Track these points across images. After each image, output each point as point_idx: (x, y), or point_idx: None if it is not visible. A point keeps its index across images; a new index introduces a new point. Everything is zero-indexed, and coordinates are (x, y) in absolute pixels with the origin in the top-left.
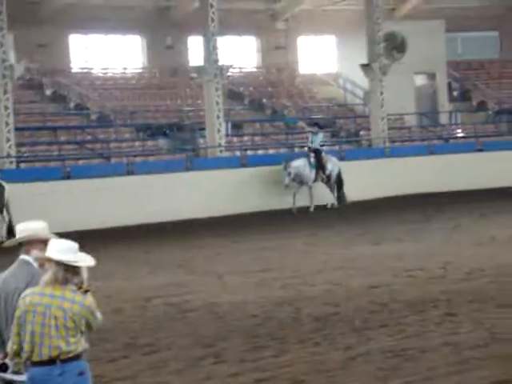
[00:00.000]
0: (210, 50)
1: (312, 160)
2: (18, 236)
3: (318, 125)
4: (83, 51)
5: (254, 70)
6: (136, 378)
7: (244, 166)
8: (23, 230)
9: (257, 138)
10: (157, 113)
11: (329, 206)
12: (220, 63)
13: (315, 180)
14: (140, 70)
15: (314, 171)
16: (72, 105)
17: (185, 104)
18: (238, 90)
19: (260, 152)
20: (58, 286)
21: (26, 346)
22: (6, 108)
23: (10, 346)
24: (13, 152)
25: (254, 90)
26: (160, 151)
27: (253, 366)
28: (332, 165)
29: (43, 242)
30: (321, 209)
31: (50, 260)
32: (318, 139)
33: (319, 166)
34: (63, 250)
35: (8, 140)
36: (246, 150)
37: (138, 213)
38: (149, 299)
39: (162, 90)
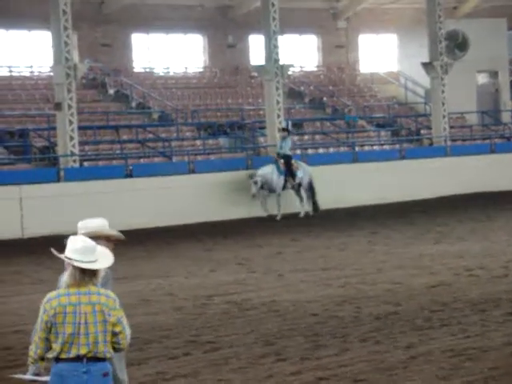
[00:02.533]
0: (271, 49)
1: (281, 166)
2: (78, 233)
3: (288, 129)
4: (145, 50)
5: (315, 68)
6: (197, 375)
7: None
8: (83, 227)
9: (317, 137)
10: (218, 112)
11: (302, 214)
12: (281, 62)
13: (284, 188)
14: (201, 69)
15: (282, 178)
16: (134, 104)
17: (245, 103)
18: (298, 89)
19: (320, 151)
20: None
21: (57, 347)
22: (70, 107)
23: (34, 351)
24: (76, 150)
25: (314, 88)
26: (221, 150)
27: (314, 364)
28: (303, 172)
29: (105, 239)
30: (293, 217)
31: (67, 260)
32: (288, 144)
33: (289, 172)
34: (80, 250)
35: (71, 138)
36: (306, 148)
37: (198, 211)
38: (210, 297)
39: (223, 88)
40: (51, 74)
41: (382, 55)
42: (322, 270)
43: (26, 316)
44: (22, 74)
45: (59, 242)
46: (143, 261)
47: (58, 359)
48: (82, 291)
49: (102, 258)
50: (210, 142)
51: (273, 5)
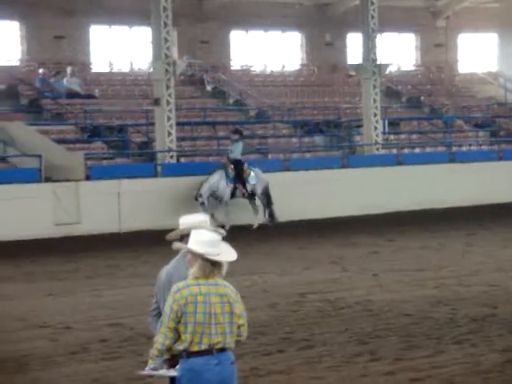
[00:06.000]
0: (369, 48)
1: (230, 172)
2: (180, 228)
3: (239, 132)
4: (244, 48)
5: (413, 67)
6: (291, 373)
7: (400, 163)
8: (184, 222)
9: (414, 136)
10: (314, 110)
11: (255, 226)
12: (378, 61)
13: (233, 196)
14: (298, 67)
15: (231, 186)
16: (231, 101)
17: (342, 101)
18: (395, 88)
19: (417, 150)
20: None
21: (188, 337)
22: (169, 103)
23: (161, 342)
24: (174, 146)
25: (412, 88)
26: (316, 148)
27: (408, 364)
28: (256, 178)
29: None
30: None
31: (191, 252)
32: (239, 148)
33: (239, 179)
34: (206, 243)
35: (169, 134)
36: (402, 148)
37: (293, 209)
38: (304, 295)
39: (320, 87)
40: (151, 70)
41: (482, 55)
42: (417, 271)
43: (120, 309)
44: (122, 70)
45: (155, 236)
46: (239, 257)
47: (188, 354)
48: (210, 282)
49: (226, 252)
50: (306, 139)
51: (372, 3)
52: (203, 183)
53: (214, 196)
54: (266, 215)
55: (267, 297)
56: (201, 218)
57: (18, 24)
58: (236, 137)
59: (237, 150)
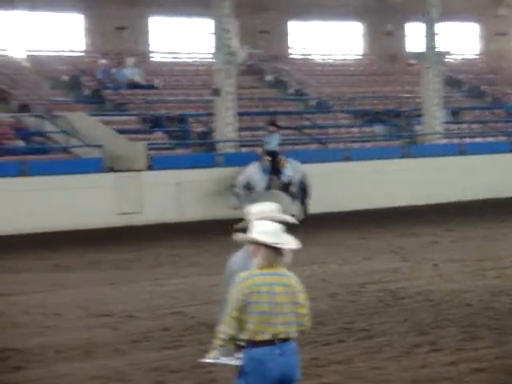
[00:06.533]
0: (430, 37)
1: (265, 164)
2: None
3: (275, 123)
4: (303, 38)
5: (475, 56)
6: (351, 363)
7: (462, 153)
8: (255, 212)
9: (475, 126)
10: (374, 99)
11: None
12: (440, 50)
13: (268, 188)
14: (359, 57)
15: (266, 177)
16: (291, 91)
17: (402, 90)
18: (456, 77)
19: (478, 140)
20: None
21: (251, 327)
22: (229, 93)
23: (225, 331)
24: (234, 136)
25: (473, 77)
26: (376, 138)
27: (469, 355)
28: (293, 170)
29: None
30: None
31: (254, 242)
32: (275, 140)
33: (274, 171)
34: (271, 232)
35: (229, 124)
36: (463, 137)
37: (354, 198)
38: (364, 285)
39: (380, 76)
40: (211, 60)
41: None
42: (478, 261)
43: (182, 298)
44: (184, 60)
45: (215, 226)
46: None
47: (251, 343)
48: (274, 272)
49: (288, 241)
50: (366, 129)
51: None
52: (238, 174)
53: (249, 187)
54: (298, 207)
55: (327, 286)
56: (272, 206)
57: (82, 16)
58: (272, 129)
59: (273, 142)
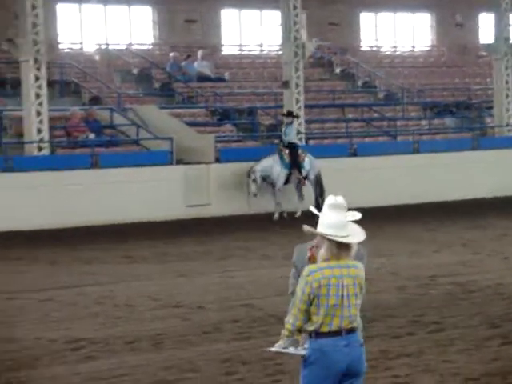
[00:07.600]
0: (501, 28)
1: (285, 157)
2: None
3: (292, 114)
4: (373, 29)
5: None
6: (421, 355)
7: None
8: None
9: None
10: (444, 91)
11: (298, 214)
12: (511, 41)
13: (287, 182)
14: (428, 48)
15: (285, 171)
16: (360, 83)
17: (472, 82)
18: None
19: None
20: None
21: (319, 319)
22: (297, 85)
23: (292, 323)
24: (302, 129)
25: None
26: (446, 130)
27: None
28: (310, 164)
29: None
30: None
31: (319, 234)
32: (293, 131)
33: (294, 164)
34: (334, 225)
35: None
36: None
37: (422, 191)
38: (433, 277)
39: (450, 67)
40: (280, 52)
41: None
42: None
43: (251, 290)
44: (252, 53)
45: (282, 218)
46: (367, 239)
47: (317, 334)
48: (342, 264)
49: (354, 234)
50: (436, 121)
51: None
52: (255, 165)
53: (268, 181)
54: (314, 204)
55: (396, 279)
56: (341, 200)
57: (151, 9)
58: (289, 120)
59: (291, 133)
